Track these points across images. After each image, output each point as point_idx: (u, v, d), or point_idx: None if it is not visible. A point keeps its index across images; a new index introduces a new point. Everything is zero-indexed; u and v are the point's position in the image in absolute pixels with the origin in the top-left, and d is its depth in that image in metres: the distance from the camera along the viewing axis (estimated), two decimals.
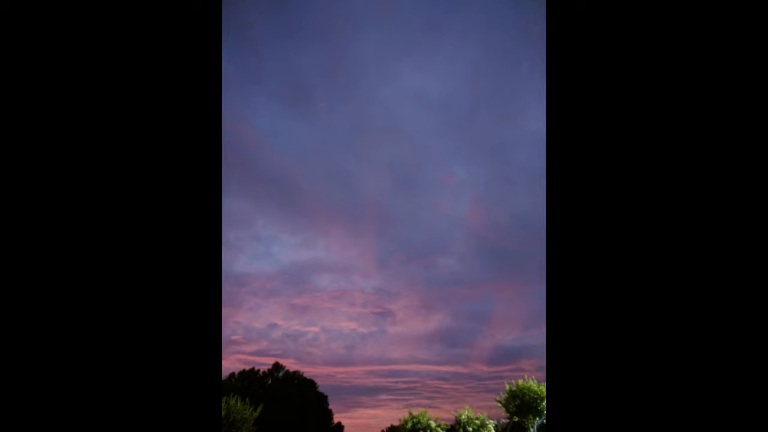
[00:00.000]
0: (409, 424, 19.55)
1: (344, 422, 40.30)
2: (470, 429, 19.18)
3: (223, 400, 16.61)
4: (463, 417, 19.45)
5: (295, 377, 38.06)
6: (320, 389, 38.75)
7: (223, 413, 16.14)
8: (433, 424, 19.55)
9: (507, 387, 18.10)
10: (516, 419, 18.35)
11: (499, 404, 18.34)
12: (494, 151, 58.05)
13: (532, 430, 17.60)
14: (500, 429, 20.46)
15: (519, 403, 17.57)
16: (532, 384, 17.48)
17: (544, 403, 17.01)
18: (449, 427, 20.07)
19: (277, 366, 38.47)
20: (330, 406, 39.31)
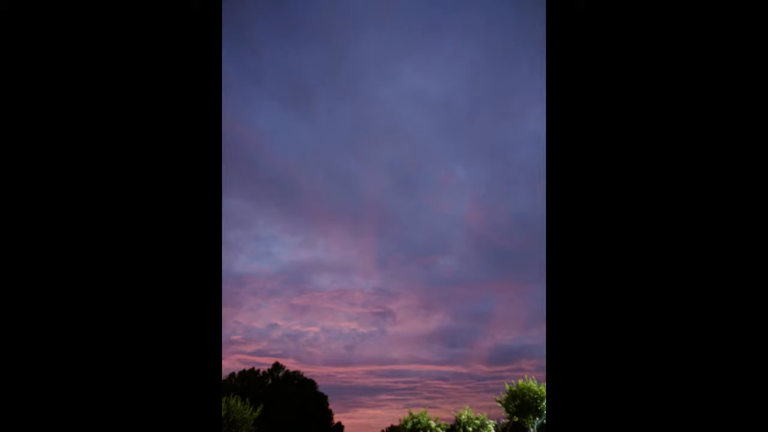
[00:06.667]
0: (409, 424, 19.54)
1: (344, 422, 40.33)
2: (470, 429, 19.18)
3: (223, 400, 16.60)
4: (463, 417, 19.43)
5: (295, 377, 38.06)
6: (320, 389, 38.79)
7: (223, 413, 16.14)
8: (433, 424, 19.54)
9: (507, 387, 18.09)
10: (516, 419, 18.34)
11: (499, 404, 18.33)
12: (494, 151, 57.97)
13: (532, 430, 17.60)
14: (500, 429, 20.45)
15: (519, 403, 17.55)
16: (532, 384, 17.46)
17: (544, 403, 17.00)
18: (449, 427, 20.06)
19: (277, 366, 38.48)
20: (330, 406, 39.33)
